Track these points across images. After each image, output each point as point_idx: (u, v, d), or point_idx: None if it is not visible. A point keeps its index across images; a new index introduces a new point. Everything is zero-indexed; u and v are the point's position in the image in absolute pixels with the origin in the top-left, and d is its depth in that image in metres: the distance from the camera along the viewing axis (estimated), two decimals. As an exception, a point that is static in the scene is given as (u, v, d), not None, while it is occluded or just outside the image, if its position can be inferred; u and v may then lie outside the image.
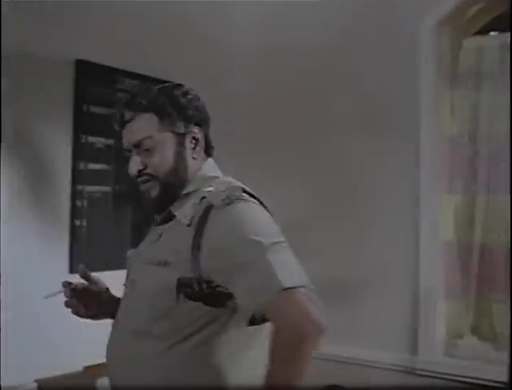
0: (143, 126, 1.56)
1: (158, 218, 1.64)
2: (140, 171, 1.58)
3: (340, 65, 3.32)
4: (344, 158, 3.31)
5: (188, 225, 1.50)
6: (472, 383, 2.88)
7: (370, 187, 3.22)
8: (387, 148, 3.17)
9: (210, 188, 1.54)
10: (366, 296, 3.17)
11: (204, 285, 1.46)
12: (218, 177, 1.62)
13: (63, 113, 2.71)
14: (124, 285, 1.65)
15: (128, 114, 1.57)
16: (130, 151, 1.59)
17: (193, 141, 1.61)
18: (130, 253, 1.72)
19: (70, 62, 2.72)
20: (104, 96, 2.83)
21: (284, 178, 3.45)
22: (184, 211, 1.54)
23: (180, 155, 1.58)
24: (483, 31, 3.15)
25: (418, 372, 3.01)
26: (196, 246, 1.46)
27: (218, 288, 1.46)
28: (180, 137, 1.59)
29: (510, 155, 2.91)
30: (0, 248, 2.34)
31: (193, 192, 1.58)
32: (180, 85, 1.65)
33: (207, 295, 1.46)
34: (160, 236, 1.58)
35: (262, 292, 1.37)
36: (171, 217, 1.58)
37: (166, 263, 1.49)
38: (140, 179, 1.58)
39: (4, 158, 2.42)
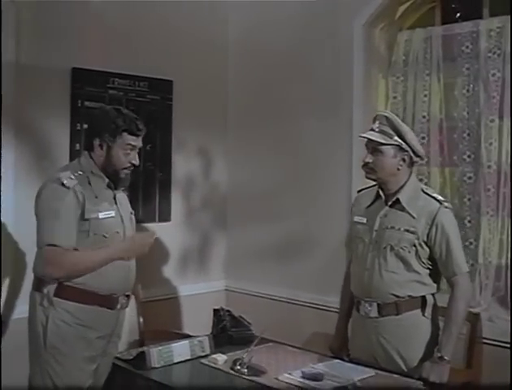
0: None
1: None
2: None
3: (294, 62, 3.98)
4: (301, 139, 3.99)
5: None
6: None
7: (316, 163, 3.91)
8: (329, 130, 3.82)
9: None
10: (301, 253, 3.94)
11: None
12: None
13: (63, 108, 3.59)
14: None
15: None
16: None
17: None
18: None
19: (67, 70, 3.59)
20: (96, 93, 3.69)
21: (256, 158, 4.21)
22: None
23: None
24: (414, 26, 3.67)
25: (331, 310, 3.57)
26: None
27: None
28: None
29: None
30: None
31: None
32: None
33: None
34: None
35: None
36: None
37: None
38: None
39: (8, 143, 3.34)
